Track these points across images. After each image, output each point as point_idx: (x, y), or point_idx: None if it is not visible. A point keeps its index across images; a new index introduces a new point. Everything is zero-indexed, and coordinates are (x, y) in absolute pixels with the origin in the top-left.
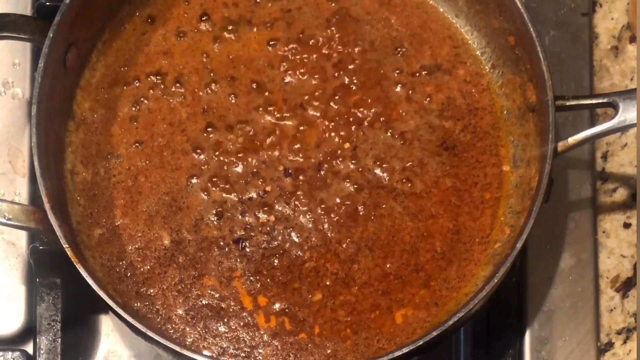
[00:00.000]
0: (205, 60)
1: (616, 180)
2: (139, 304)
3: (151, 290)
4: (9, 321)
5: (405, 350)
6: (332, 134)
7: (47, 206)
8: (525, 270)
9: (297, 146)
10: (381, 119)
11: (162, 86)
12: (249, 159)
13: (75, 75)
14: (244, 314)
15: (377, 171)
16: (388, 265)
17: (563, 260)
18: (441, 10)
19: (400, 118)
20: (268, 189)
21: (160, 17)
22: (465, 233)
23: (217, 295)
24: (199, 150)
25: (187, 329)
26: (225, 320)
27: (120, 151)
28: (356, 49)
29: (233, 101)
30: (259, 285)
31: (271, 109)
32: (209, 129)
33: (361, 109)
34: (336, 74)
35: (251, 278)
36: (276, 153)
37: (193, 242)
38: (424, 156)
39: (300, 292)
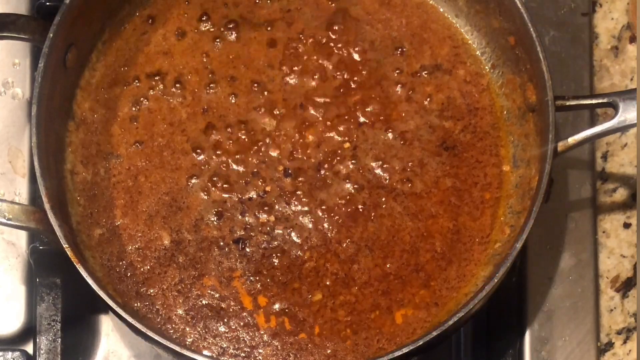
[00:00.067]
0: (205, 60)
1: (616, 180)
2: (139, 304)
3: (151, 290)
4: (9, 321)
5: (405, 350)
6: (332, 134)
7: (47, 206)
8: (525, 270)
9: (297, 146)
10: (381, 119)
11: (162, 86)
12: (249, 159)
13: (75, 75)
14: (244, 314)
15: (377, 171)
16: (388, 265)
17: (563, 260)
18: (441, 10)
19: (400, 118)
20: (268, 189)
21: (160, 17)
22: (465, 233)
23: (217, 295)
24: (199, 150)
25: (187, 329)
26: (225, 320)
27: (120, 151)
28: (356, 49)
29: (233, 101)
30: (259, 285)
31: (271, 109)
32: (209, 129)
33: (361, 109)
34: (336, 74)
35: (251, 278)
36: (276, 153)
37: (193, 242)
38: (424, 156)
39: (300, 292)
